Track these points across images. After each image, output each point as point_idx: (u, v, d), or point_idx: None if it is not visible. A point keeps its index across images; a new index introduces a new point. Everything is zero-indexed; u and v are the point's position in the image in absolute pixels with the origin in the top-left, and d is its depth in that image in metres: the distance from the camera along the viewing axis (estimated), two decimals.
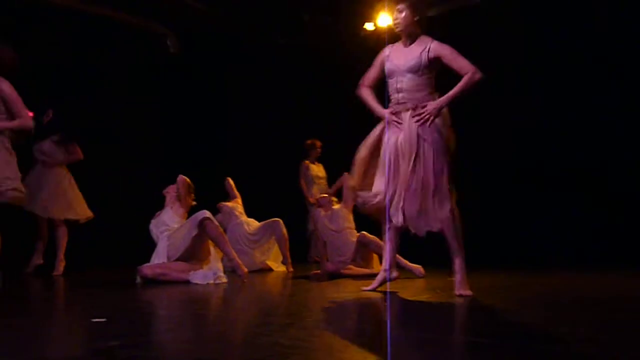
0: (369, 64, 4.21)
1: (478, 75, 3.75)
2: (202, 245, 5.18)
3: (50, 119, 6.40)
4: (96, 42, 8.54)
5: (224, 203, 6.97)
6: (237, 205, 7.00)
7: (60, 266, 6.12)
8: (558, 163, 7.06)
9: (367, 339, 2.41)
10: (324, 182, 7.93)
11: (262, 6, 8.16)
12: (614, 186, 6.71)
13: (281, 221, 6.60)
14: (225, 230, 6.77)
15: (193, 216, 5.11)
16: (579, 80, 6.94)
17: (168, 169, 6.75)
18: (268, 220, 6.70)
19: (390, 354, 2.01)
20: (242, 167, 8.48)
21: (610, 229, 6.55)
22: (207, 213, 5.07)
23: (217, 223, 5.17)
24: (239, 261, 5.14)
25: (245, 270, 5.15)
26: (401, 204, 3.77)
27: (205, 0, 8.14)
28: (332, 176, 7.26)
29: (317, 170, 8.00)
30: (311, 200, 7.55)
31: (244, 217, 6.88)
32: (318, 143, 7.96)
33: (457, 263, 3.81)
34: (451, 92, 3.80)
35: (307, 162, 7.97)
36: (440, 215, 3.75)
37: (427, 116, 3.79)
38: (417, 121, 3.81)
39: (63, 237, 6.21)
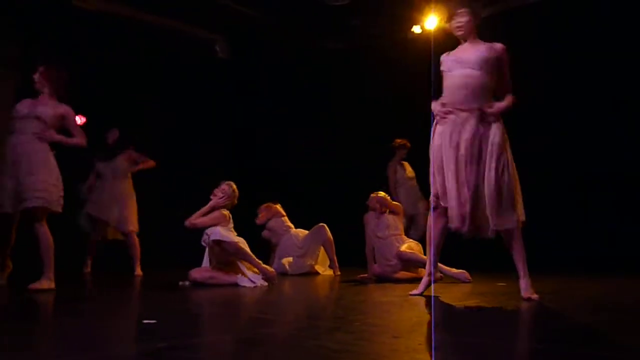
0: (416, 66, 4.20)
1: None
2: (229, 257, 5.19)
3: (117, 138, 6.79)
4: (145, 48, 8.72)
5: (270, 223, 7.05)
6: (283, 220, 7.05)
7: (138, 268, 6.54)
8: (616, 165, 6.89)
9: (414, 344, 2.39)
10: (414, 182, 7.52)
11: (311, 11, 8.20)
12: None
13: (325, 226, 6.65)
14: (277, 244, 6.87)
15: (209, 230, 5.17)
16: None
17: (219, 172, 6.84)
18: (313, 228, 6.75)
19: (435, 359, 1.99)
20: (290, 170, 8.56)
21: None
22: (217, 235, 5.04)
23: (229, 240, 5.08)
24: (264, 266, 5.22)
25: (273, 271, 5.25)
26: (467, 208, 3.73)
27: (255, 6, 8.22)
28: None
29: (408, 170, 7.59)
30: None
31: (293, 230, 6.94)
32: (408, 144, 7.53)
33: (522, 267, 3.78)
34: (510, 100, 3.80)
35: (396, 162, 7.55)
36: (509, 217, 3.71)
37: (493, 118, 3.76)
38: (482, 122, 3.76)
39: (137, 245, 6.60)
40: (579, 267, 6.30)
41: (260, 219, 7.07)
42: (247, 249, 5.16)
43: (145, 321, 2.88)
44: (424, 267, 5.45)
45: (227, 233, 5.13)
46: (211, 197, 5.42)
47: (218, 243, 5.05)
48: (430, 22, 7.85)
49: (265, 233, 7.06)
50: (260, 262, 5.15)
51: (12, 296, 4.46)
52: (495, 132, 3.74)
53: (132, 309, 3.72)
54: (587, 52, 7.00)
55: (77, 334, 2.71)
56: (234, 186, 5.49)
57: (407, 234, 6.27)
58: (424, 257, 5.44)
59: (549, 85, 7.13)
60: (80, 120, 7.10)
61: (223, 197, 5.39)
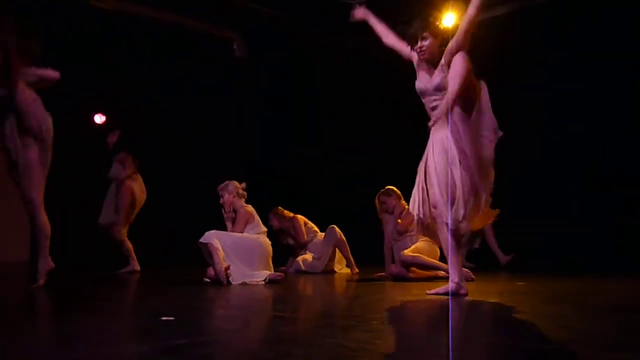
0: None
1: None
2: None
3: (116, 139, 6.76)
4: (165, 48, 8.78)
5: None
6: (309, 227, 7.05)
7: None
8: (629, 167, 6.83)
9: (431, 342, 2.38)
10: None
11: (329, 10, 8.19)
12: None
13: (336, 227, 6.70)
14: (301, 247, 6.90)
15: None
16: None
17: (238, 170, 6.86)
18: (325, 232, 6.78)
19: (452, 358, 1.98)
20: (311, 170, 8.57)
21: None
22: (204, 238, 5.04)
23: (202, 241, 5.06)
24: (219, 267, 5.09)
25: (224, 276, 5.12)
26: (462, 211, 3.74)
27: (272, 5, 8.24)
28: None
29: None
30: None
31: (319, 235, 6.96)
32: None
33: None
34: (444, 100, 3.84)
35: None
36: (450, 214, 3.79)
37: (435, 118, 3.82)
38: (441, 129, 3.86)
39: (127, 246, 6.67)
40: (600, 267, 6.25)
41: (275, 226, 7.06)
42: (259, 249, 5.22)
43: (163, 318, 2.89)
44: (429, 270, 5.43)
45: (253, 228, 5.31)
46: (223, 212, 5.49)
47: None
48: (449, 20, 7.80)
49: (288, 240, 7.06)
50: (217, 262, 4.97)
51: (27, 292, 4.51)
52: (443, 135, 3.86)
53: (149, 305, 3.74)
54: (599, 50, 6.95)
55: (95, 331, 2.73)
56: (231, 185, 5.51)
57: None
58: (428, 259, 5.39)
59: (557, 86, 7.11)
60: (100, 119, 7.16)
61: (228, 207, 5.45)
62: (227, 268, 4.96)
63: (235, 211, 5.42)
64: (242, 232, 5.28)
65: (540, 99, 7.24)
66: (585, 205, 6.92)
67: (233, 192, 5.46)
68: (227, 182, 5.53)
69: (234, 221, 5.38)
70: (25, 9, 7.53)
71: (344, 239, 6.65)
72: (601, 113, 6.97)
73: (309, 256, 6.78)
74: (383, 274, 5.65)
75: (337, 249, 6.74)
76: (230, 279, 4.98)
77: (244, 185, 5.57)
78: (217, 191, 5.51)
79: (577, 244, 6.71)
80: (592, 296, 4.25)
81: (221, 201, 5.47)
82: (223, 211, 5.44)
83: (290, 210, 7.11)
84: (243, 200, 5.51)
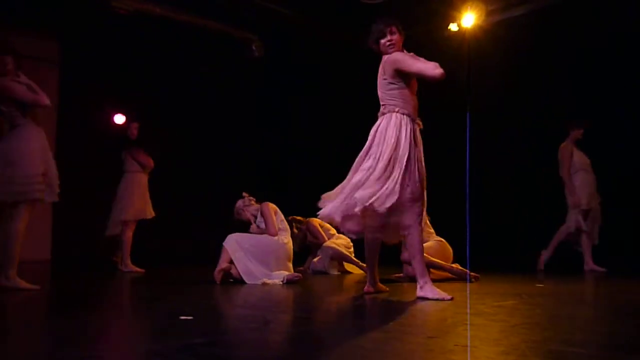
0: (453, 64, 4.17)
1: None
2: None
3: (137, 132, 6.79)
4: (183, 48, 8.84)
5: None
6: (326, 228, 7.04)
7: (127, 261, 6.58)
8: None
9: (449, 344, 2.37)
10: (590, 170, 6.74)
11: (345, 9, 8.19)
12: None
13: (330, 243, 6.67)
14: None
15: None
16: None
17: (252, 170, 6.88)
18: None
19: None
20: (323, 168, 8.53)
21: None
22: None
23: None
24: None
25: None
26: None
27: (290, 5, 8.26)
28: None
29: (582, 155, 6.80)
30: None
31: (336, 236, 6.96)
32: (588, 123, 6.76)
33: None
34: None
35: (570, 144, 6.80)
36: None
37: None
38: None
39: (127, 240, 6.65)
40: (621, 269, 6.18)
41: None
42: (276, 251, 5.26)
43: (182, 317, 2.91)
44: (438, 269, 5.37)
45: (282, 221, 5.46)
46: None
47: None
48: (467, 19, 7.78)
49: (310, 238, 7.07)
50: (220, 262, 5.12)
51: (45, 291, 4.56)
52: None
53: (168, 304, 3.77)
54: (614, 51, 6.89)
55: (113, 329, 2.75)
56: (239, 204, 5.60)
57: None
58: (432, 259, 5.30)
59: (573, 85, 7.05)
60: (120, 119, 7.22)
61: (252, 219, 5.53)
62: (225, 269, 5.07)
63: (258, 216, 5.51)
64: (275, 227, 5.32)
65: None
66: (606, 207, 6.85)
67: (244, 205, 5.57)
68: (235, 207, 5.62)
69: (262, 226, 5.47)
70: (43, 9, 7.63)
71: (342, 250, 6.60)
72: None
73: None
74: (401, 274, 5.63)
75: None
76: (247, 278, 5.03)
77: (244, 193, 5.65)
78: (236, 219, 5.63)
79: (599, 245, 6.64)
80: (613, 298, 4.20)
81: (245, 219, 5.57)
82: (251, 229, 5.52)
83: (305, 211, 7.13)
84: (254, 201, 5.56)
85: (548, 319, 3.10)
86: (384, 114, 3.97)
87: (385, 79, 4.00)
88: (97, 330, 2.71)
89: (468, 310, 3.34)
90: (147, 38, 8.50)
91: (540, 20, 7.39)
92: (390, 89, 3.96)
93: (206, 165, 9.25)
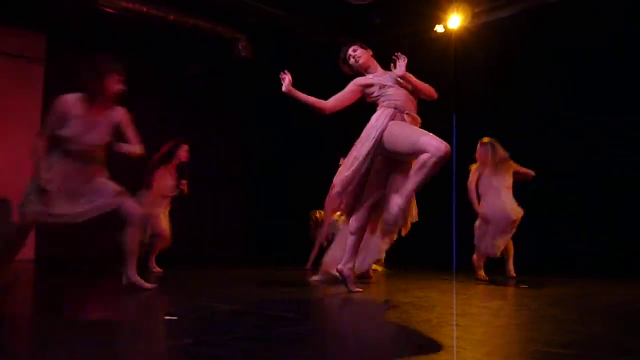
0: (439, 65, 4.19)
1: None
2: None
3: (184, 155, 6.74)
4: (171, 47, 8.79)
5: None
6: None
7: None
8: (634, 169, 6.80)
9: (435, 345, 2.38)
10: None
11: (331, 9, 8.19)
12: None
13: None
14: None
15: None
16: None
17: (252, 170, 6.83)
18: None
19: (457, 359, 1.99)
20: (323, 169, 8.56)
21: None
22: None
23: None
24: None
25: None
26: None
27: (277, 5, 8.24)
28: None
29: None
30: None
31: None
32: None
33: None
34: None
35: None
36: None
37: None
38: None
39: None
40: (606, 271, 6.23)
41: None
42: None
43: (167, 317, 2.90)
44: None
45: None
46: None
47: None
48: (453, 21, 7.81)
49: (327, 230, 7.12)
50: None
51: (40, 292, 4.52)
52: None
53: (158, 304, 3.75)
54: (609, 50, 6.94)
55: (103, 330, 2.74)
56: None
57: None
58: None
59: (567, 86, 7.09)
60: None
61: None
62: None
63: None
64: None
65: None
66: (589, 206, 6.90)
67: (318, 223, 6.65)
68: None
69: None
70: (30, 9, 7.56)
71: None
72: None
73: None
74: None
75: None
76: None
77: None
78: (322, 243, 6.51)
79: (582, 247, 6.69)
80: (597, 299, 4.24)
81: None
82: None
83: (304, 211, 7.19)
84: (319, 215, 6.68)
85: (533, 320, 3.12)
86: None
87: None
88: (85, 332, 2.69)
89: (454, 311, 3.35)
90: (135, 37, 8.45)
91: (526, 22, 7.43)
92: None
93: (206, 165, 9.21)
